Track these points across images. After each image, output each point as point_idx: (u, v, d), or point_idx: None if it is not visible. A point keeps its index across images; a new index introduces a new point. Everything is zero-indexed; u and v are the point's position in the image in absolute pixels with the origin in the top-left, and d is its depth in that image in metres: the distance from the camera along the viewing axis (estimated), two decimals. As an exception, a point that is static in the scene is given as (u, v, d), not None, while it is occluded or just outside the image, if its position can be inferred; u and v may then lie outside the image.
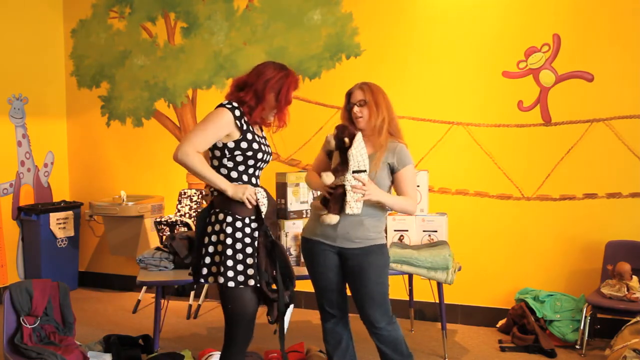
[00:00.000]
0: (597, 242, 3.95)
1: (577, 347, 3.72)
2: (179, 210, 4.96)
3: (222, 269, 2.28)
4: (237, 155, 2.31)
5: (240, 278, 2.28)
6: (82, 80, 5.51)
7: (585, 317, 3.67)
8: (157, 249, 3.64)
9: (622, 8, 3.86)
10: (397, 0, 4.37)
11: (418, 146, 4.17)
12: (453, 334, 4.12)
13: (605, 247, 3.90)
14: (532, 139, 4.09)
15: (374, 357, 3.03)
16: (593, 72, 3.94)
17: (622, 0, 3.86)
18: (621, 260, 3.73)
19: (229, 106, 2.32)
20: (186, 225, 4.61)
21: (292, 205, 3.56)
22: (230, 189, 2.29)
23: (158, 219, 4.76)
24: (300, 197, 3.61)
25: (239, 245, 2.29)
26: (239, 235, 2.30)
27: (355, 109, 2.65)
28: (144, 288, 4.77)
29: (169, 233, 4.63)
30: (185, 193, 4.99)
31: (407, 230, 3.68)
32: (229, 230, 2.29)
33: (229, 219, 2.30)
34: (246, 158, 2.33)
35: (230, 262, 2.28)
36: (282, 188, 3.57)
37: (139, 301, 4.76)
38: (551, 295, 3.94)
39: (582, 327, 3.68)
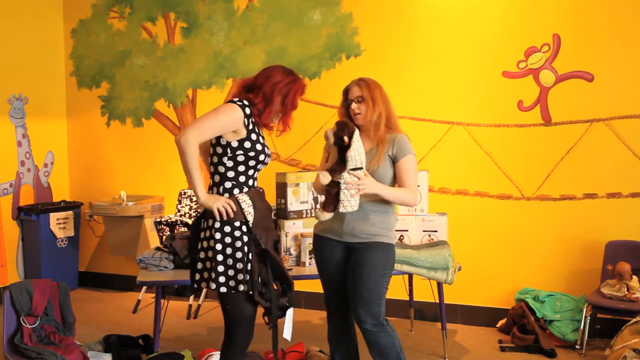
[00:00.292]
0: (597, 242, 3.95)
1: (577, 347, 3.72)
2: (179, 210, 4.96)
3: (213, 275, 2.28)
4: (238, 155, 2.31)
5: (232, 283, 2.28)
6: (82, 80, 5.51)
7: (585, 317, 3.67)
8: (157, 249, 3.64)
9: (622, 8, 3.86)
10: (397, 0, 4.37)
11: (418, 146, 4.11)
12: (453, 334, 4.12)
13: (605, 247, 3.90)
14: (532, 139, 4.09)
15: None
16: (593, 72, 3.94)
17: (622, 0, 3.86)
18: (621, 260, 3.73)
19: (240, 103, 2.31)
20: (186, 225, 4.61)
21: (292, 205, 3.56)
22: (202, 196, 2.27)
23: (158, 219, 4.76)
24: (300, 197, 3.61)
25: (228, 251, 2.29)
26: (228, 240, 2.29)
27: (353, 105, 2.65)
28: (144, 288, 4.77)
29: (169, 233, 4.63)
30: (185, 193, 4.99)
31: (407, 230, 3.69)
32: (217, 235, 2.29)
33: (217, 224, 2.30)
34: (247, 158, 2.33)
35: (220, 268, 2.28)
36: (282, 188, 3.57)
37: (139, 301, 4.76)
38: (551, 295, 3.94)
39: (582, 327, 3.68)
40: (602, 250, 3.91)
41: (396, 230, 3.61)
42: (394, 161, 2.65)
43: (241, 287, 2.28)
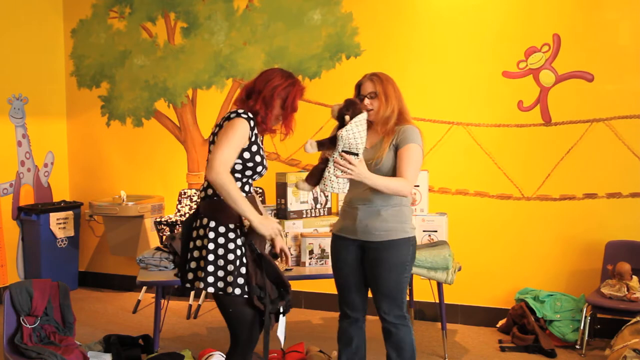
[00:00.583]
0: (597, 242, 3.95)
1: (577, 347, 3.72)
2: (179, 210, 4.96)
3: (202, 274, 2.28)
4: (236, 163, 2.31)
5: (220, 284, 2.27)
6: (82, 80, 5.51)
7: (585, 317, 3.67)
8: (157, 249, 3.64)
9: (622, 8, 3.86)
10: (397, 0, 4.37)
11: (418, 146, 4.16)
12: (453, 334, 4.12)
13: (605, 247, 3.90)
14: (532, 139, 4.09)
15: None
16: (593, 72, 3.94)
17: (622, 1, 3.86)
18: (621, 260, 3.73)
19: (245, 116, 2.30)
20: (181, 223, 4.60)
21: (292, 205, 3.56)
22: (256, 221, 2.26)
23: (158, 219, 4.76)
24: (300, 197, 3.61)
25: (220, 251, 2.28)
26: (221, 240, 2.28)
27: (366, 101, 2.61)
28: (144, 288, 4.77)
29: (169, 233, 4.63)
30: (185, 193, 4.99)
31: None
32: (211, 235, 2.28)
33: (212, 224, 2.29)
34: (245, 168, 2.33)
35: (210, 268, 2.27)
36: (282, 188, 3.57)
37: (139, 301, 4.76)
38: (551, 295, 3.94)
39: (582, 327, 3.68)
40: (602, 250, 3.91)
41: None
42: (396, 149, 2.58)
43: (234, 290, 2.26)
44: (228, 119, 2.30)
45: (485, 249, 4.23)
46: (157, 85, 5.19)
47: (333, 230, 2.80)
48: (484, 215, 4.23)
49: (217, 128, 2.34)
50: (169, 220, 4.70)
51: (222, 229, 2.29)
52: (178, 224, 4.64)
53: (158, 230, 4.76)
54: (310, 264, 3.47)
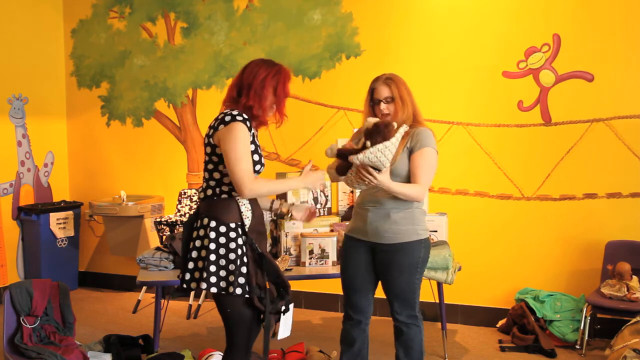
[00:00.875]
0: (597, 242, 3.95)
1: (577, 347, 3.72)
2: (179, 210, 4.96)
3: (204, 275, 2.27)
4: None
5: (222, 284, 2.26)
6: (82, 80, 5.51)
7: (585, 317, 3.67)
8: (157, 249, 3.64)
9: (622, 8, 3.86)
10: (397, 0, 4.37)
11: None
12: (453, 334, 4.12)
13: (605, 247, 3.90)
14: (532, 139, 4.09)
15: None
16: (593, 72, 3.94)
17: (622, 0, 3.86)
18: (621, 260, 3.73)
19: (240, 118, 2.28)
20: (182, 224, 4.60)
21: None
22: (301, 184, 2.46)
23: (158, 219, 4.76)
24: (300, 197, 3.61)
25: (222, 251, 2.27)
26: (222, 240, 2.28)
27: (382, 106, 2.58)
28: (144, 288, 4.77)
29: (169, 233, 4.63)
30: (185, 193, 4.99)
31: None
32: (212, 235, 2.28)
33: (213, 223, 2.29)
34: None
35: (213, 268, 2.27)
36: (282, 188, 3.56)
37: (139, 301, 4.76)
38: (551, 295, 3.94)
39: (582, 327, 3.69)
40: (602, 250, 3.91)
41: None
42: (410, 153, 2.58)
43: (235, 290, 2.25)
44: (223, 122, 2.28)
45: (485, 249, 4.23)
46: (157, 85, 5.19)
47: (346, 231, 2.80)
48: (484, 215, 4.23)
49: (212, 130, 2.32)
50: (169, 220, 4.70)
51: (222, 229, 2.29)
52: (178, 224, 4.64)
53: (158, 230, 4.76)
54: (310, 264, 3.47)
